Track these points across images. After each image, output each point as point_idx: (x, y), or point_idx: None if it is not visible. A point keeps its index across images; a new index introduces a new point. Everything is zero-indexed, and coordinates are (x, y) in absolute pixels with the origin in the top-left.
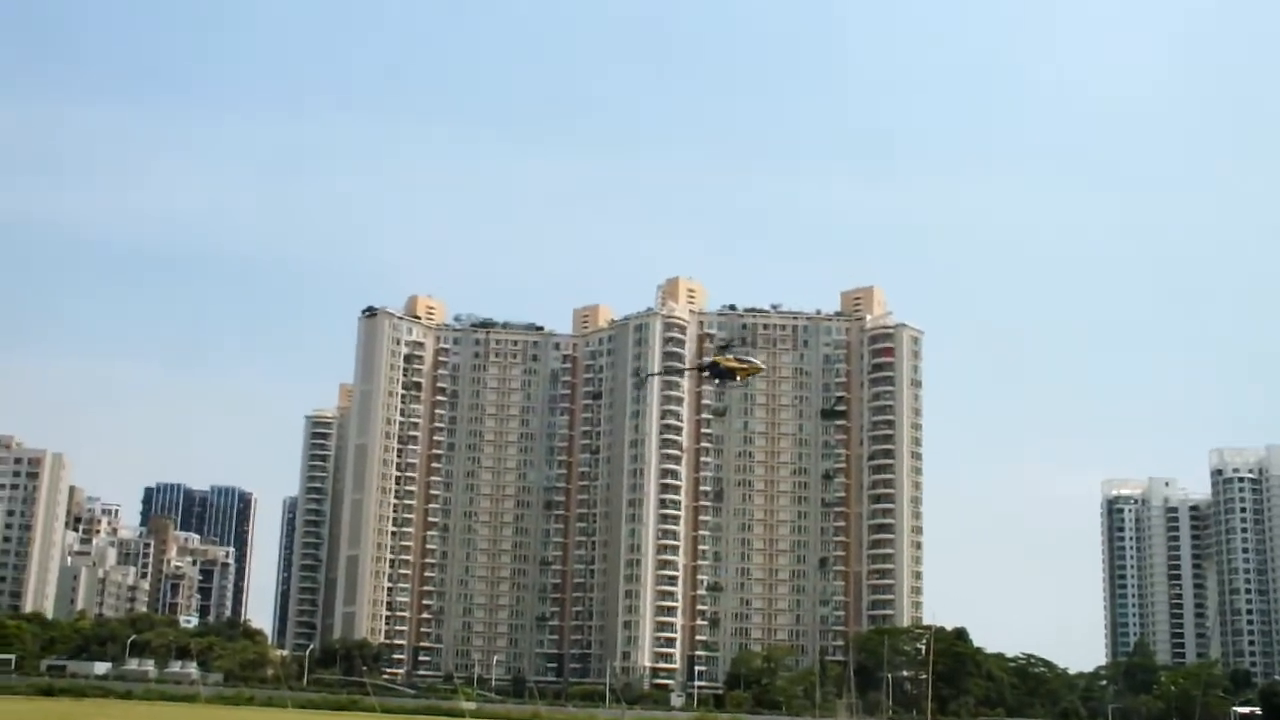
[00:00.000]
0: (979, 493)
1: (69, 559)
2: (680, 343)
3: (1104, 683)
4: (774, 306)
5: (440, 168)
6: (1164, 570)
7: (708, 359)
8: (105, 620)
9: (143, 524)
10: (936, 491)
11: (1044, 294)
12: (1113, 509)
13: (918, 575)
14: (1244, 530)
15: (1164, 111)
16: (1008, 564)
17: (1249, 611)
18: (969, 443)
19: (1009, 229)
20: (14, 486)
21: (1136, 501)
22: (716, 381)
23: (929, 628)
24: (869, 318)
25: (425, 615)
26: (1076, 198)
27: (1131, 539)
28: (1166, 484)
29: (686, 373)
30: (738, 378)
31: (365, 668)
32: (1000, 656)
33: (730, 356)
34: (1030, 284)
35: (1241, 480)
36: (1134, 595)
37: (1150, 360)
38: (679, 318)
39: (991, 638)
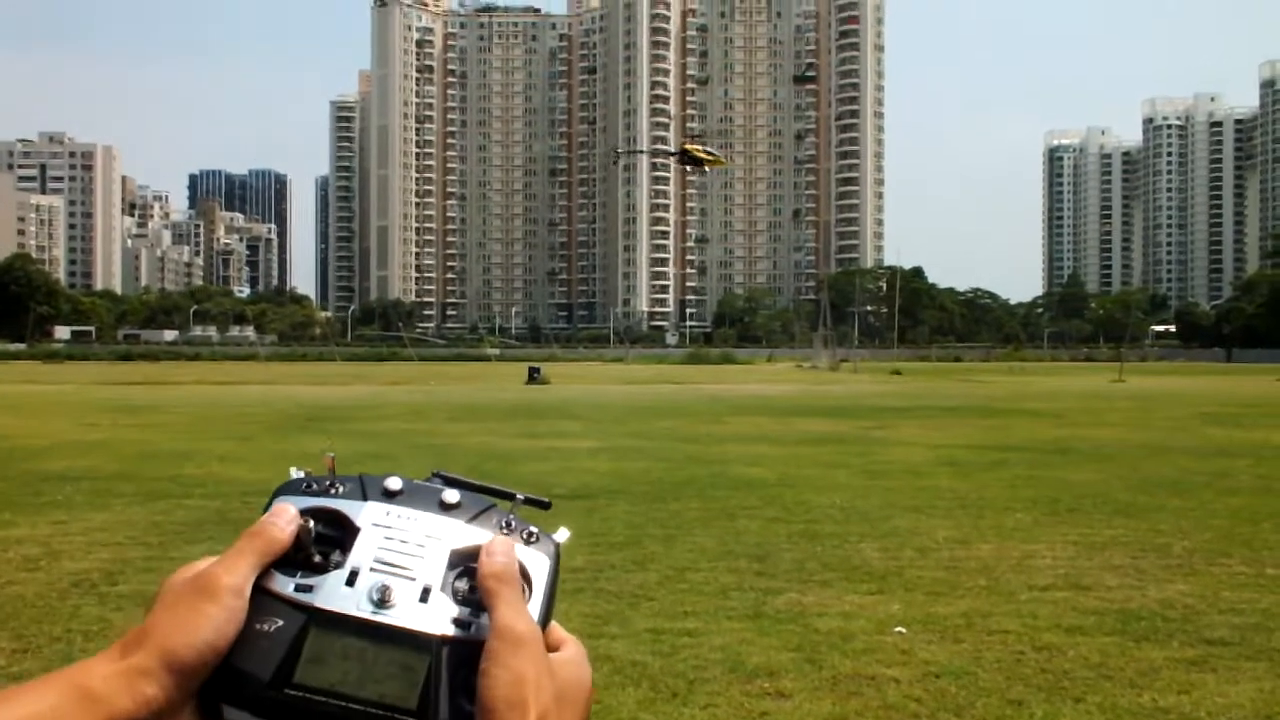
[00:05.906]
0: (936, 147)
1: (129, 241)
2: (665, 18)
3: (1041, 310)
4: None
5: None
6: (1096, 211)
7: (677, 148)
8: (168, 294)
9: (191, 207)
10: (899, 148)
11: None
12: (1053, 157)
13: (879, 222)
14: (1169, 172)
15: None
16: (960, 211)
17: (1169, 244)
18: (927, 102)
19: None
20: (71, 179)
21: (1075, 150)
22: (686, 167)
23: (890, 268)
24: None
25: (450, 275)
26: None
27: (1069, 183)
28: (1103, 133)
29: (652, 150)
30: (705, 167)
31: (400, 324)
32: (952, 291)
33: (700, 147)
34: None
35: (1169, 127)
36: (1069, 234)
37: (1096, 17)
38: None
39: (944, 275)
